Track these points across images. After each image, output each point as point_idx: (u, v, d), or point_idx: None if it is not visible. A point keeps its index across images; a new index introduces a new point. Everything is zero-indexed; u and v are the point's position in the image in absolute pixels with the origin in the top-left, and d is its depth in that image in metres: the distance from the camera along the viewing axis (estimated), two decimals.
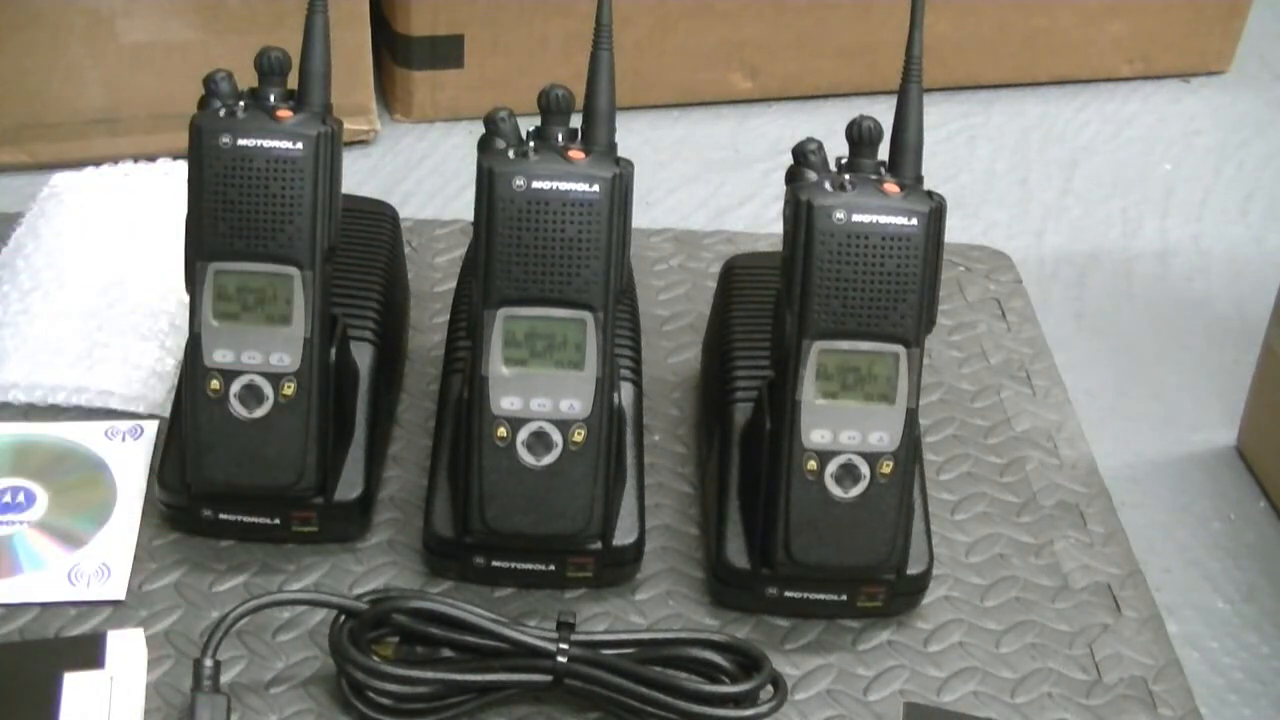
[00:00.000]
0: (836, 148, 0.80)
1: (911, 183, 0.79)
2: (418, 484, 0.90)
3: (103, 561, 0.85)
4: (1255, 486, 1.23)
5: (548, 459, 0.80)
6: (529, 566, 0.84)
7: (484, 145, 0.79)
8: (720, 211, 1.52)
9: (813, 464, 0.79)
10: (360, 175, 1.53)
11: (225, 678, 0.78)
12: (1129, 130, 1.71)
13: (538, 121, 0.80)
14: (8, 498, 0.88)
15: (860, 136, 0.79)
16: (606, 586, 0.86)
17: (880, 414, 0.79)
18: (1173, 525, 1.20)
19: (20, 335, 0.97)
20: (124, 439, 0.92)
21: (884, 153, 0.80)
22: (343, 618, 0.78)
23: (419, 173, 1.55)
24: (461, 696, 0.77)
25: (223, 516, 0.85)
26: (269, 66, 0.81)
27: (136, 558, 0.86)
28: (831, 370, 0.79)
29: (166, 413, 0.92)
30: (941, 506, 0.92)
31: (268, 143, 0.79)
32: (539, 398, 0.80)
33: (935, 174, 0.82)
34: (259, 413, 0.82)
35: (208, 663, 0.76)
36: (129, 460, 0.91)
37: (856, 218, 0.77)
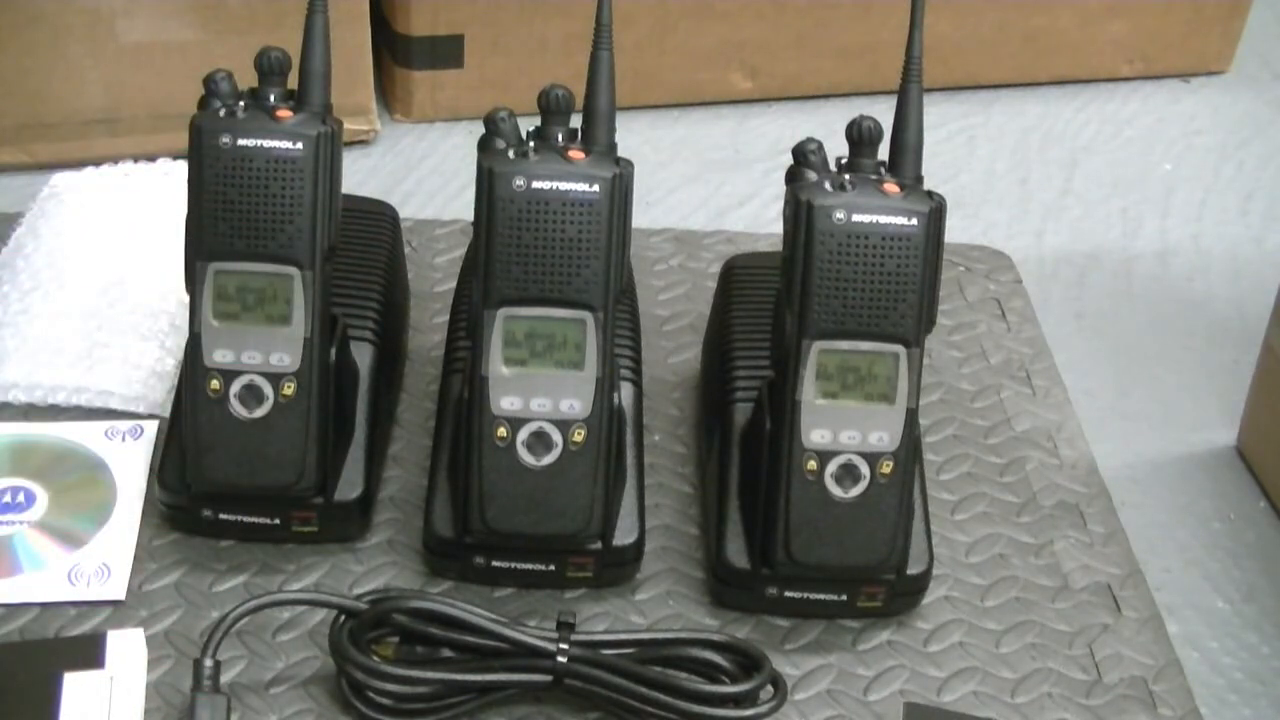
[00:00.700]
0: (836, 148, 0.80)
1: (911, 183, 0.79)
2: (418, 484, 0.90)
3: (103, 561, 0.85)
4: (1255, 486, 1.23)
5: (548, 459, 0.80)
6: (529, 566, 0.84)
7: (484, 145, 0.79)
8: (720, 211, 1.52)
9: (813, 464, 0.79)
10: (360, 175, 1.53)
11: (225, 678, 0.78)
12: (1129, 130, 1.71)
13: (538, 121, 0.80)
14: (8, 498, 0.88)
15: (860, 136, 0.79)
16: (606, 586, 0.86)
17: (880, 414, 0.79)
18: (1173, 525, 1.20)
19: (20, 335, 0.97)
20: (124, 439, 0.92)
21: (884, 153, 0.80)
22: (343, 618, 0.78)
23: (419, 173, 1.55)
24: (461, 696, 0.77)
25: (223, 516, 0.85)
26: (269, 66, 0.81)
27: (136, 558, 0.86)
28: (831, 370, 0.79)
29: (166, 413, 0.92)
30: (941, 506, 0.92)
31: (268, 143, 0.79)
32: (539, 398, 0.80)
33: (935, 174, 0.82)
34: (259, 413, 0.81)
35: (208, 663, 0.76)
36: (129, 460, 0.91)
37: (856, 218, 0.77)
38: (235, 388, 0.81)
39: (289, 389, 0.81)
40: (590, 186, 0.78)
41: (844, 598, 0.84)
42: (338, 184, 0.82)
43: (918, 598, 0.85)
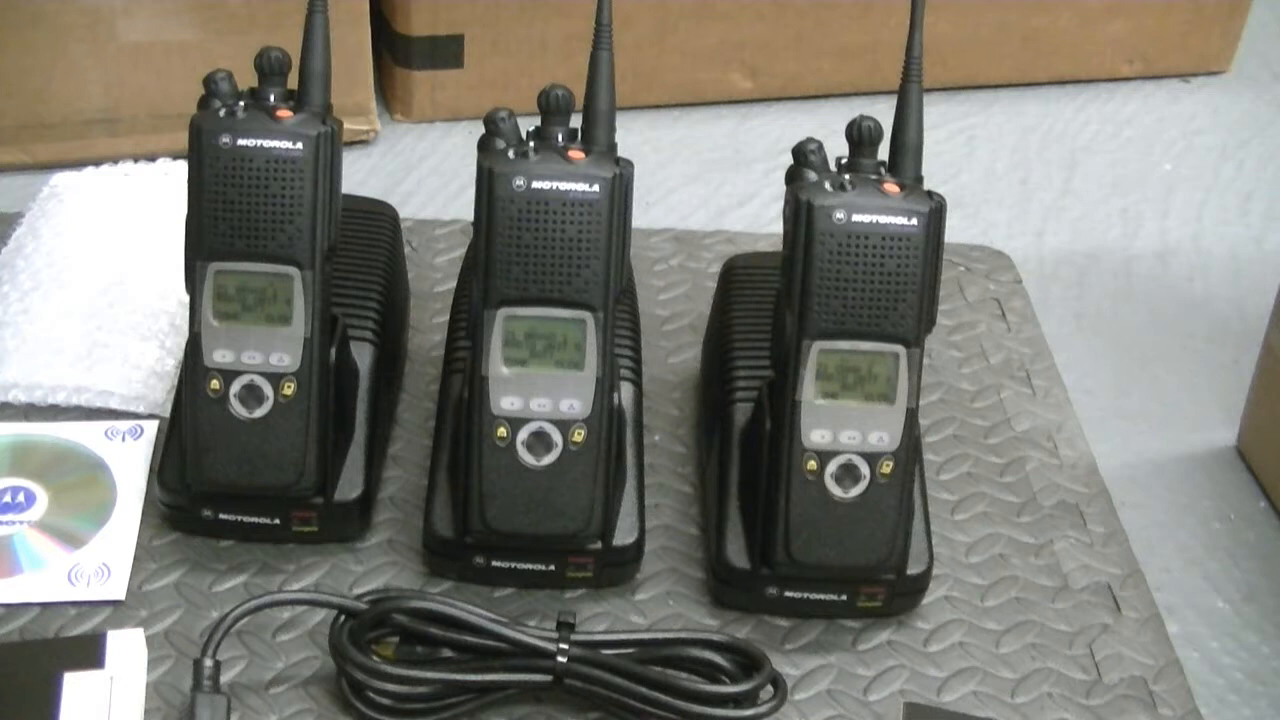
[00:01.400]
0: (836, 148, 0.81)
1: (911, 183, 0.79)
2: (418, 484, 0.90)
3: (103, 561, 0.85)
4: (1255, 486, 1.23)
5: (548, 459, 0.80)
6: (529, 566, 0.84)
7: (484, 145, 0.79)
8: (720, 211, 1.52)
9: (813, 464, 0.79)
10: (360, 175, 1.53)
11: (225, 678, 0.78)
12: (1129, 130, 1.71)
13: (538, 121, 0.80)
14: (8, 498, 0.88)
15: (860, 136, 0.79)
16: (606, 586, 0.86)
17: (880, 414, 0.79)
18: (1173, 525, 1.20)
19: (20, 335, 0.97)
20: (124, 439, 0.92)
21: (884, 153, 0.80)
22: (343, 618, 0.78)
23: (419, 173, 1.55)
24: (461, 696, 0.77)
25: (223, 516, 0.85)
26: (269, 66, 0.81)
27: (136, 558, 0.86)
28: (831, 370, 0.79)
29: (166, 413, 0.92)
30: (941, 506, 0.92)
31: (268, 142, 0.79)
32: (539, 398, 0.80)
33: (935, 174, 0.82)
34: (259, 413, 0.82)
35: (208, 663, 0.76)
36: (129, 460, 0.91)
37: (856, 218, 0.77)
38: (235, 388, 0.81)
39: (289, 389, 0.81)
40: (590, 186, 0.78)
41: (844, 598, 0.84)
42: (338, 184, 0.82)
43: (918, 598, 0.85)
